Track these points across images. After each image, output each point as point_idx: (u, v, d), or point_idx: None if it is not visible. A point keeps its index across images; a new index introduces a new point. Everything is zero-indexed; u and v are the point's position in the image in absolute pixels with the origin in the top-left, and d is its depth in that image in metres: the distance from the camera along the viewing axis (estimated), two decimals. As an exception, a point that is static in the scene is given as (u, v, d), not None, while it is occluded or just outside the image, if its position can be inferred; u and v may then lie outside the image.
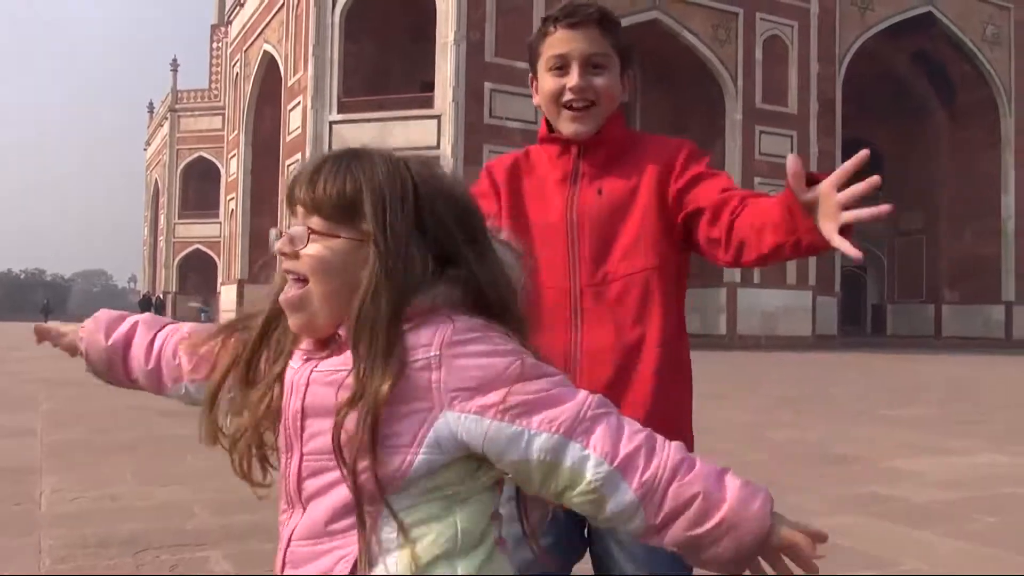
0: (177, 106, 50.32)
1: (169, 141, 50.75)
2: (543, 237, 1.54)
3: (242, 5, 38.28)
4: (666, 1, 28.34)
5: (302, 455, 1.03)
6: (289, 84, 30.05)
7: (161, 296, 49.82)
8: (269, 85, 34.61)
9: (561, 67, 1.55)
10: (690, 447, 1.50)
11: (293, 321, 1.06)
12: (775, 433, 7.20)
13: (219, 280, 42.19)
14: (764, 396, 10.85)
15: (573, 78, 1.53)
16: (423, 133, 24.44)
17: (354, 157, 1.08)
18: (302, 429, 1.03)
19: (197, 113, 49.47)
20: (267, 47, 33.80)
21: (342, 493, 1.00)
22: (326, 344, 1.06)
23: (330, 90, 26.81)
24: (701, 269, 30.58)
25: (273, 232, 1.10)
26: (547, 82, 1.57)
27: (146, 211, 61.39)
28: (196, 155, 49.52)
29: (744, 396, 10.83)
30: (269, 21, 33.27)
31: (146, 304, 45.41)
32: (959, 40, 34.47)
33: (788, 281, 30.15)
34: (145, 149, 62.95)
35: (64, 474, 4.83)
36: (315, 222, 1.04)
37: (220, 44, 46.92)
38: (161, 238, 53.98)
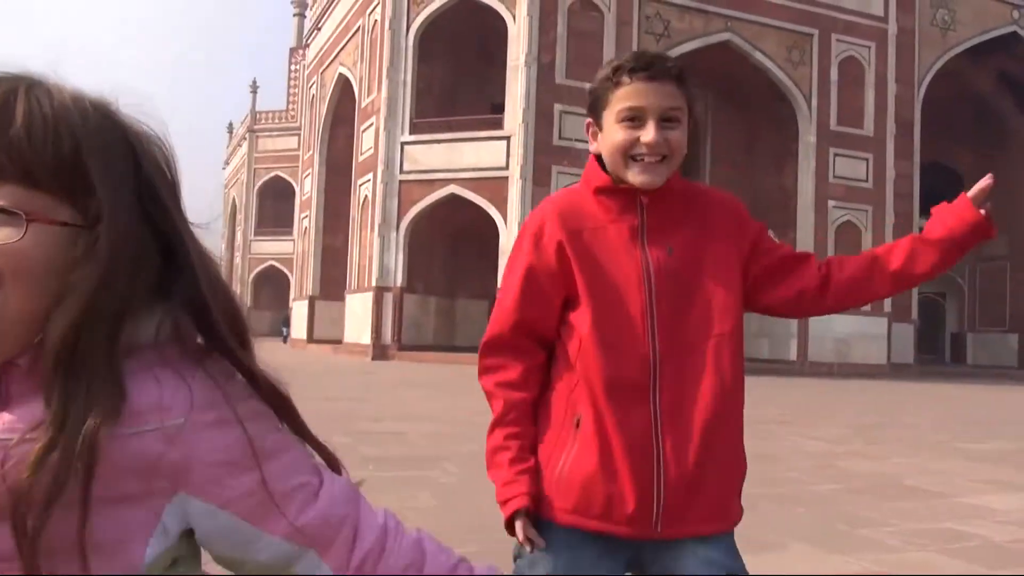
0: (255, 127, 51.80)
1: (247, 160, 52.24)
2: (616, 300, 1.51)
3: (319, 29, 39.31)
4: (739, 23, 28.08)
5: None
6: (363, 105, 30.69)
7: (236, 311, 51.04)
8: (343, 107, 35.40)
9: (634, 119, 1.50)
10: (740, 517, 1.60)
11: None
12: (847, 463, 7.02)
13: (291, 296, 43.13)
14: (836, 424, 10.58)
15: (649, 133, 1.49)
16: (493, 154, 24.70)
17: (44, 93, 0.71)
18: None
19: (274, 134, 50.86)
20: (342, 70, 34.60)
21: None
22: None
23: (402, 111, 27.29)
24: (772, 293, 30.04)
25: None
26: (617, 133, 1.52)
27: (224, 228, 63.22)
28: (272, 174, 50.86)
29: (815, 424, 10.58)
30: (345, 44, 34.08)
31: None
32: (1045, 60, 33.33)
33: (862, 307, 29.38)
34: (224, 168, 64.90)
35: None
36: (15, 194, 0.68)
37: (297, 67, 48.23)
38: (237, 254, 55.50)
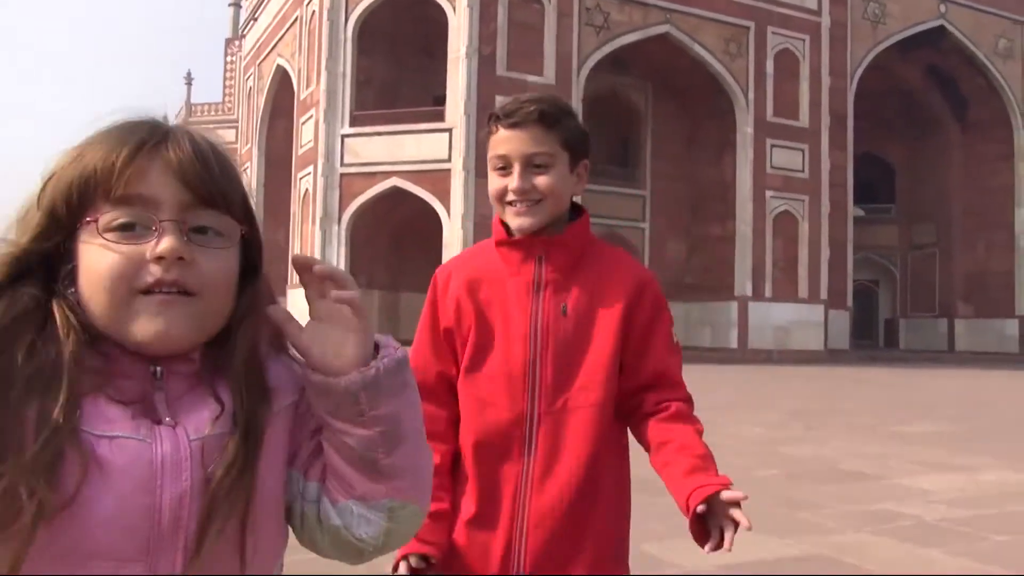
0: (191, 119, 50.75)
1: (183, 154, 51.26)
2: (504, 353, 1.49)
3: (256, 20, 38.63)
4: (678, 15, 28.40)
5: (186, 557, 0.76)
6: (302, 98, 30.26)
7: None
8: (282, 99, 34.86)
9: (504, 167, 1.52)
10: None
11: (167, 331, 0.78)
12: (787, 448, 7.18)
13: (231, 292, 42.43)
14: (775, 411, 10.81)
15: (514, 179, 1.50)
16: (435, 147, 24.60)
17: (206, 136, 0.85)
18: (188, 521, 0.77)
19: (211, 126, 49.88)
20: (280, 61, 34.06)
21: None
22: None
23: (342, 104, 26.99)
24: (712, 282, 30.58)
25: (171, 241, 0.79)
26: (493, 181, 1.55)
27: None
28: (209, 168, 50.01)
29: (755, 411, 10.80)
30: (282, 35, 33.54)
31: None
32: (971, 53, 34.42)
33: (800, 295, 30.05)
34: (159, 162, 63.57)
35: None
36: (220, 220, 0.81)
37: (234, 58, 47.32)
38: (174, 250, 54.37)
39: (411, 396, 0.85)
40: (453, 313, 1.54)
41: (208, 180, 0.80)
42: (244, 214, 0.84)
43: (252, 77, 39.10)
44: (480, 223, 24.69)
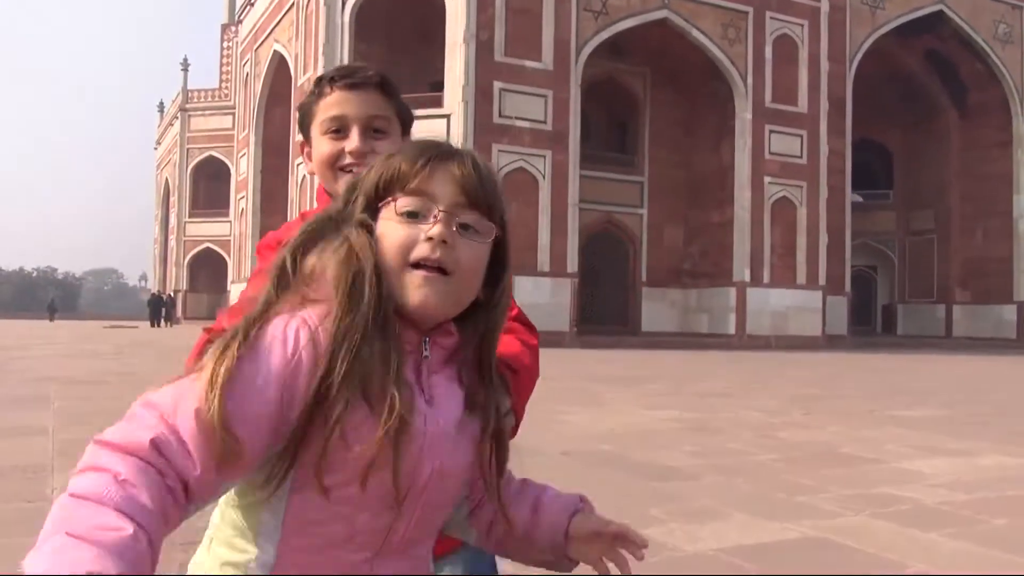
0: (187, 105, 50.52)
1: (179, 140, 50.97)
2: None
3: (252, 5, 38.43)
4: (675, 0, 28.28)
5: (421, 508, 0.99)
6: (299, 84, 30.15)
7: (171, 294, 50.06)
8: (279, 85, 34.75)
9: (339, 130, 1.45)
10: None
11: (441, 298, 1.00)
12: (785, 433, 7.19)
13: (229, 278, 42.36)
14: (773, 396, 10.83)
15: (354, 141, 1.44)
16: (432, 133, 24.39)
17: (481, 159, 1.09)
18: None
19: (207, 112, 49.66)
20: (277, 47, 33.92)
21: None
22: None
23: (340, 90, 26.89)
24: (710, 268, 30.58)
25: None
26: (323, 145, 1.46)
27: (157, 210, 61.65)
28: (206, 154, 49.72)
29: (753, 396, 10.82)
30: (279, 21, 33.39)
31: (156, 302, 45.59)
32: (970, 39, 34.33)
33: (798, 281, 30.08)
34: (156, 148, 63.22)
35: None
36: (480, 220, 1.04)
37: (230, 44, 47.09)
38: (172, 236, 54.23)
39: (553, 513, 1.21)
40: None
41: (478, 189, 1.02)
42: (500, 222, 1.05)
43: (249, 63, 38.94)
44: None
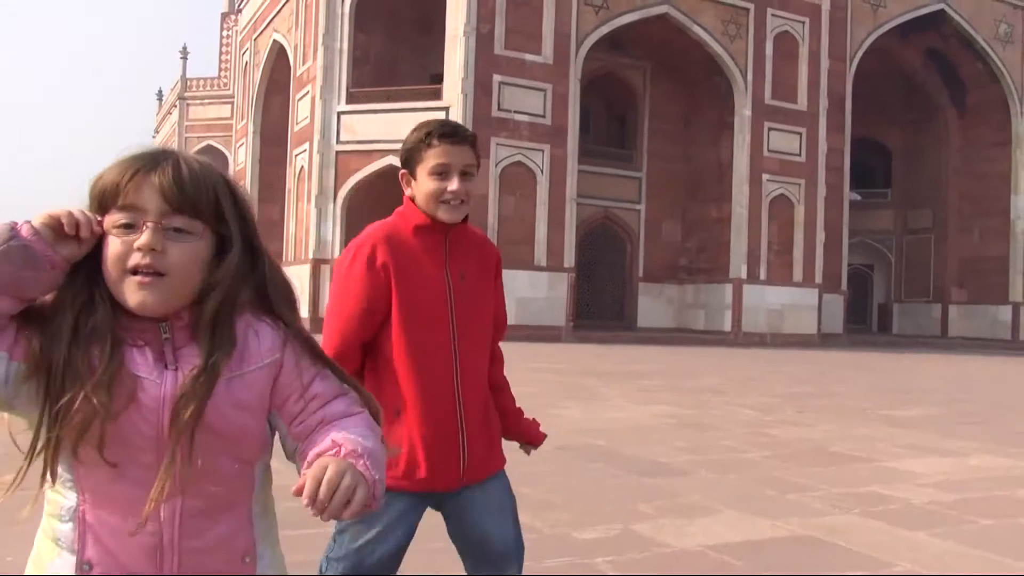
0: (186, 94, 50.38)
1: (178, 129, 50.82)
2: (428, 312, 1.99)
3: (252, -6, 38.28)
4: (677, -4, 28.23)
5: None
6: (298, 74, 30.08)
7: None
8: (278, 74, 34.64)
9: (442, 173, 1.97)
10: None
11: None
12: (777, 431, 7.22)
13: (226, 268, 42.31)
14: (767, 394, 10.86)
15: (455, 184, 1.97)
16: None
17: (190, 159, 1.19)
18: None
19: (206, 101, 49.53)
20: (276, 36, 33.81)
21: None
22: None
23: (339, 80, 26.83)
24: (707, 265, 30.60)
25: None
26: (429, 184, 1.98)
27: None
28: (205, 143, 49.58)
29: (747, 393, 10.85)
30: (279, 10, 33.27)
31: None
32: (971, 38, 34.31)
33: (794, 278, 30.11)
34: (154, 136, 63.09)
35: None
36: (187, 222, 1.14)
37: (230, 32, 46.94)
38: (169, 225, 54.09)
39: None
40: (383, 279, 1.97)
41: (179, 195, 1.12)
42: (215, 217, 1.16)
43: (248, 52, 38.83)
44: (476, 202, 24.52)
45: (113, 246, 1.11)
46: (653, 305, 31.66)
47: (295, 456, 1.20)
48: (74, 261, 1.10)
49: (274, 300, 1.21)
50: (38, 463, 1.11)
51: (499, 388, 2.20)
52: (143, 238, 1.09)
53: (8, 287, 1.05)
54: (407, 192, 2.07)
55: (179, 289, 1.13)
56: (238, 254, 1.17)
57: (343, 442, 1.14)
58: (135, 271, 1.10)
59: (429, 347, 1.97)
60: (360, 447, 1.14)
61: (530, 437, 2.24)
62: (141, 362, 1.12)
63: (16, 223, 1.07)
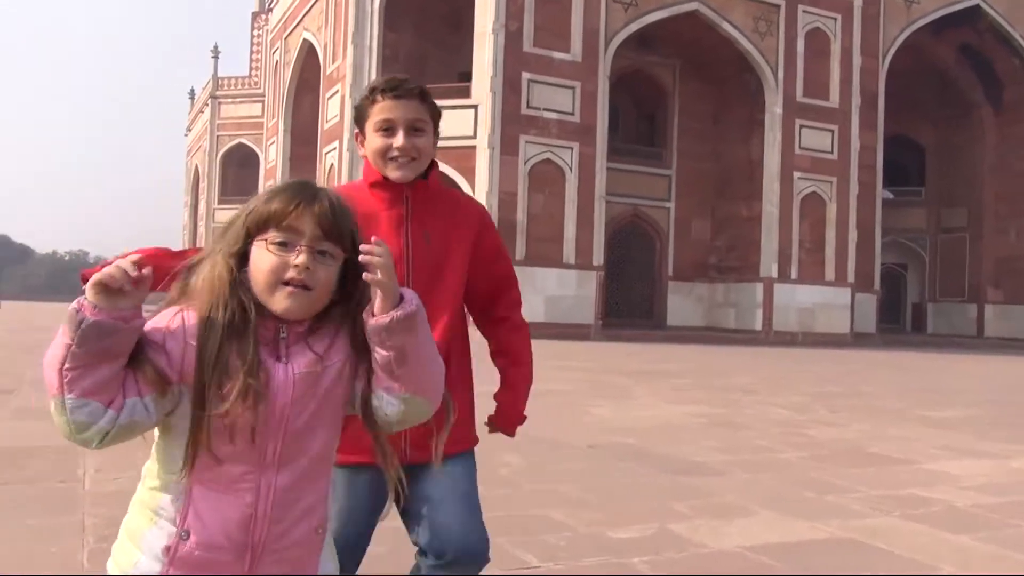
0: (217, 93, 50.87)
1: (209, 127, 51.36)
2: None
3: (283, -7, 38.53)
4: (707, -8, 28.01)
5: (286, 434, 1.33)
6: (328, 72, 30.24)
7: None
8: (308, 73, 34.87)
9: (388, 129, 1.91)
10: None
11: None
12: (811, 431, 7.12)
13: (256, 266, 42.66)
14: (800, 393, 10.74)
15: (399, 139, 1.90)
16: (460, 123, 24.45)
17: (332, 193, 1.41)
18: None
19: (237, 100, 49.98)
20: (307, 35, 34.02)
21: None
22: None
23: (368, 78, 26.92)
24: (737, 263, 30.33)
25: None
26: (375, 140, 1.92)
27: (186, 196, 62.21)
28: (236, 142, 50.06)
29: (779, 392, 10.73)
30: (309, 9, 33.47)
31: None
32: (1007, 34, 33.72)
33: (826, 277, 29.78)
34: (186, 135, 63.76)
35: (106, 455, 4.93)
36: (331, 247, 1.36)
37: (260, 31, 47.32)
38: (201, 223, 54.68)
39: (419, 334, 1.34)
40: None
41: (332, 225, 1.34)
42: (351, 245, 1.35)
43: (279, 51, 39.11)
44: (505, 199, 24.61)
45: (267, 259, 1.31)
46: (683, 304, 31.46)
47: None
48: (141, 303, 1.23)
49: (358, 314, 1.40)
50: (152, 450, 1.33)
51: (505, 354, 2.09)
52: (302, 257, 1.31)
53: (102, 357, 1.18)
54: (360, 152, 2.01)
55: (317, 302, 1.34)
56: (362, 281, 1.34)
57: None
58: (287, 283, 1.31)
59: None
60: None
61: (504, 421, 2.08)
62: (263, 356, 1.31)
63: (79, 304, 1.17)
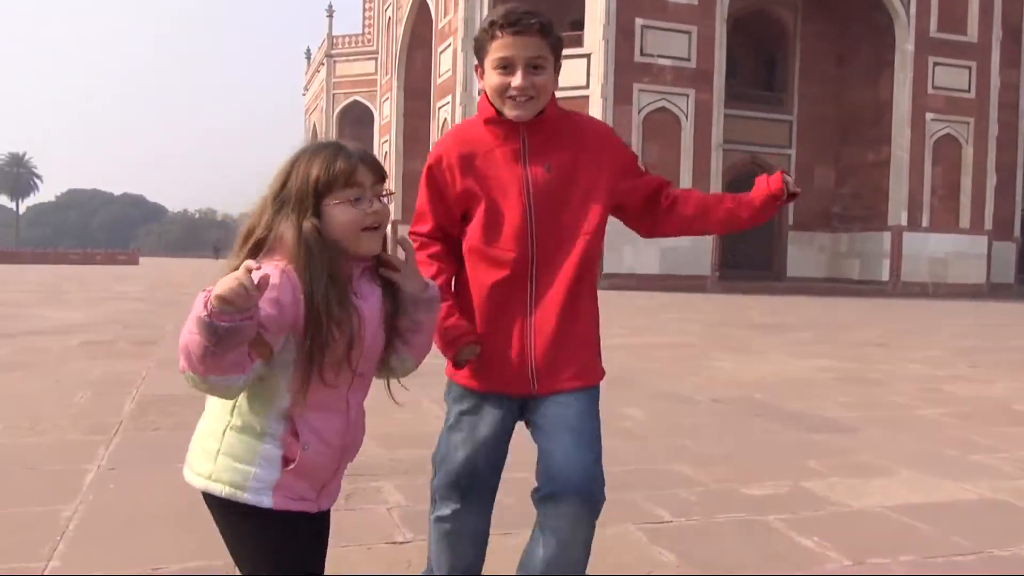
0: (332, 52, 51.81)
1: (326, 87, 52.47)
2: (504, 208, 1.90)
3: (394, -51, 38.69)
4: (833, -76, 26.47)
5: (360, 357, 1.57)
6: (439, 27, 30.30)
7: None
8: (420, 28, 35.05)
9: (506, 67, 1.84)
10: (599, 374, 2.00)
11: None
12: (951, 387, 6.77)
13: (373, 221, 43.66)
14: (935, 347, 10.22)
15: (518, 79, 1.83)
16: (573, 73, 24.09)
17: (352, 143, 1.61)
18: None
19: (351, 58, 50.80)
20: (418, -10, 34.12)
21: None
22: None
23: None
24: (863, 212, 29.03)
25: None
26: (493, 78, 1.86)
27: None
28: (351, 99, 51.02)
29: (912, 346, 10.25)
30: (420, -37, 33.51)
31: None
32: None
33: (961, 225, 28.16)
34: (304, 94, 65.41)
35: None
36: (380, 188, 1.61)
37: (373, -11, 47.70)
38: (319, 180, 56.11)
39: (432, 313, 1.65)
40: (450, 178, 1.93)
41: (381, 171, 1.59)
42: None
43: (391, 7, 39.43)
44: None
45: (350, 214, 1.53)
46: (803, 254, 30.42)
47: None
48: (259, 299, 1.38)
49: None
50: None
51: (697, 205, 2.01)
52: (376, 205, 1.55)
53: (235, 347, 1.38)
54: (479, 85, 1.93)
55: (384, 235, 1.59)
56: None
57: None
58: (366, 228, 1.54)
59: (498, 241, 1.89)
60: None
61: (760, 190, 1.97)
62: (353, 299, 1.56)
63: (208, 313, 1.34)
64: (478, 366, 1.93)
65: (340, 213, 1.51)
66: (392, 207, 1.61)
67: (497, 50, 1.84)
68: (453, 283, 1.99)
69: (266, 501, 1.52)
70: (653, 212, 2.03)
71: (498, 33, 1.84)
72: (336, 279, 1.49)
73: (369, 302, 1.56)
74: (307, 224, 1.49)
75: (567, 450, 1.84)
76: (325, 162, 1.53)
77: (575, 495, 1.82)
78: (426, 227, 1.99)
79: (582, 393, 1.91)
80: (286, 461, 1.52)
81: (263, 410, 1.53)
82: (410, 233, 1.99)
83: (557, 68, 1.90)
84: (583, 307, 1.93)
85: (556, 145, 1.91)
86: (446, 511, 1.99)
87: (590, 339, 1.96)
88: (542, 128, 1.90)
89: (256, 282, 1.35)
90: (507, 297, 1.90)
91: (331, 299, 1.47)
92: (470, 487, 1.96)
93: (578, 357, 1.92)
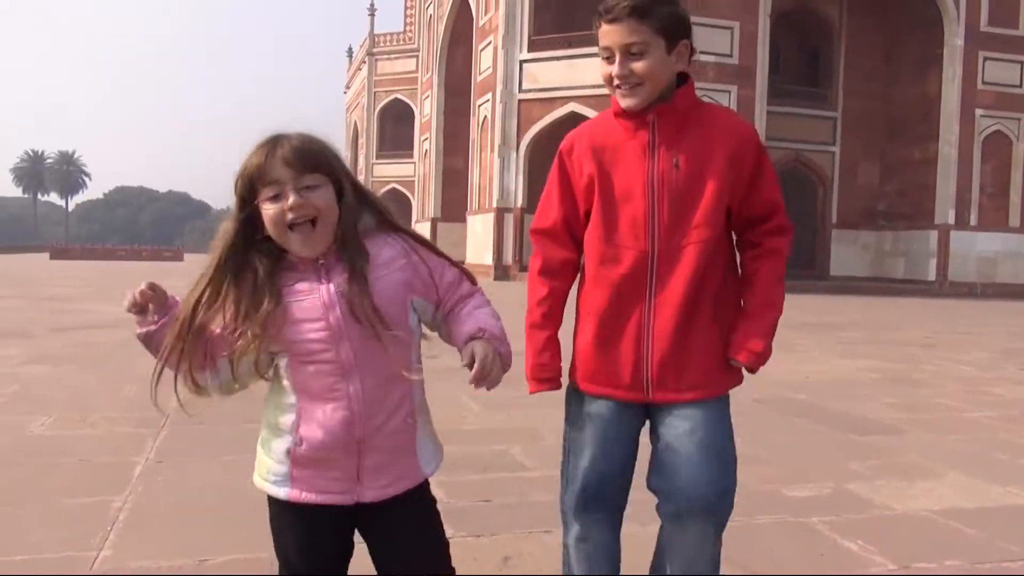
0: (374, 50, 52.14)
1: (367, 84, 52.82)
2: (627, 204, 1.82)
3: (435, -54, 38.81)
4: (880, -83, 25.98)
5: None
6: (480, 24, 30.34)
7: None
8: (461, 26, 35.13)
9: (608, 57, 1.81)
10: (738, 379, 1.90)
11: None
12: (1000, 389, 6.63)
13: (413, 218, 43.93)
14: (984, 348, 10.01)
15: (616, 67, 1.79)
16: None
17: (299, 135, 1.58)
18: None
19: (393, 56, 51.06)
20: (459, -12, 34.19)
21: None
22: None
23: (520, 28, 26.83)
24: (909, 210, 28.50)
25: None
26: (603, 69, 1.84)
27: (347, 152, 64.56)
28: (392, 97, 51.30)
29: (959, 347, 10.05)
30: (461, -39, 33.58)
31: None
32: None
33: (1011, 223, 27.52)
34: (345, 92, 65.95)
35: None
36: (317, 178, 1.57)
37: (414, -13, 47.91)
38: (360, 177, 56.59)
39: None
40: (579, 172, 1.87)
41: (303, 160, 1.52)
42: (329, 170, 1.55)
43: (432, 5, 39.57)
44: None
45: (269, 215, 1.51)
46: (847, 253, 29.95)
47: (441, 323, 1.67)
48: (163, 306, 1.53)
49: (389, 215, 1.64)
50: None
51: (745, 280, 1.88)
52: (291, 199, 1.49)
53: (157, 348, 1.54)
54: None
55: (329, 227, 1.53)
56: (351, 193, 1.57)
57: (487, 327, 1.60)
58: (291, 226, 1.51)
59: (619, 247, 1.81)
60: (498, 330, 1.62)
61: (733, 352, 1.84)
62: (303, 288, 1.54)
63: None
64: (595, 368, 1.86)
65: (264, 211, 1.52)
66: (324, 198, 1.53)
67: (600, 40, 1.82)
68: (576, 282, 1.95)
69: (282, 493, 1.58)
70: (740, 237, 1.91)
71: (600, 23, 1.81)
72: (240, 280, 1.53)
73: (332, 284, 1.53)
74: (228, 225, 1.56)
75: (690, 466, 1.78)
76: (247, 159, 1.53)
77: (700, 514, 1.79)
78: (549, 221, 1.92)
79: (706, 403, 1.82)
80: (290, 455, 1.57)
81: (276, 405, 1.61)
82: (531, 232, 1.96)
83: (675, 49, 1.80)
84: (706, 312, 1.82)
85: (688, 136, 1.81)
86: (577, 529, 1.92)
87: (712, 347, 1.83)
88: (671, 118, 1.81)
89: (135, 297, 1.51)
90: (626, 298, 1.81)
91: (238, 293, 1.52)
92: (599, 496, 1.89)
93: (698, 366, 1.81)
